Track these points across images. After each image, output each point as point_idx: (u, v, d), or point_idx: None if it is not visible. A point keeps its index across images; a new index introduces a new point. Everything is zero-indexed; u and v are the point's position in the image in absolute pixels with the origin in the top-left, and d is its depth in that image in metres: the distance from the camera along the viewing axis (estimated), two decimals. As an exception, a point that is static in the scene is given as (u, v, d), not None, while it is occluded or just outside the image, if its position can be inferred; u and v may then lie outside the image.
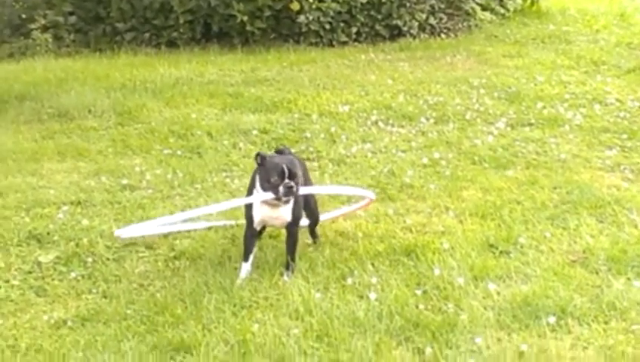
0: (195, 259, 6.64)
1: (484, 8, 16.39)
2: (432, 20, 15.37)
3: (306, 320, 5.65)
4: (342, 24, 14.75)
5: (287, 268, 6.31)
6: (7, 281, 6.42)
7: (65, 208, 7.73)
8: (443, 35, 15.33)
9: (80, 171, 8.79)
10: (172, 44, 14.90)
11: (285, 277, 6.23)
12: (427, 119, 10.17)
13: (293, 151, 6.98)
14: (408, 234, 7.00)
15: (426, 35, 15.23)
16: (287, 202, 6.20)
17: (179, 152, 9.27)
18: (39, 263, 6.67)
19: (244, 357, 5.31)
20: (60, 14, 15.14)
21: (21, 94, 11.64)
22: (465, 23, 15.87)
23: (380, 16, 14.93)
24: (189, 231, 7.11)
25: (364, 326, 5.56)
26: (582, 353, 5.28)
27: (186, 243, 6.93)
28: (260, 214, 6.31)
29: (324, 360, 5.26)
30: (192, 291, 6.10)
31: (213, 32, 14.91)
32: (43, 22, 14.99)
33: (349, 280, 6.15)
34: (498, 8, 16.82)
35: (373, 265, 6.41)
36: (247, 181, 7.13)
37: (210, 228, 7.15)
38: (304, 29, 14.51)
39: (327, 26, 14.59)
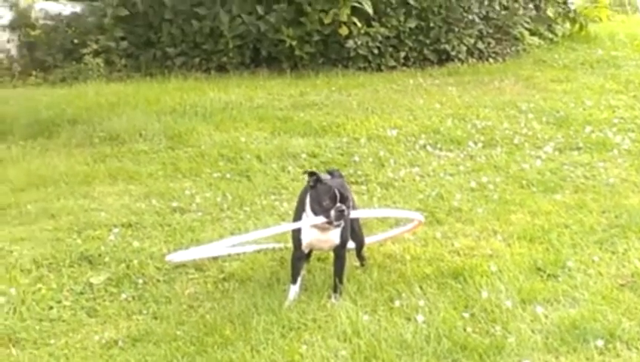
0: (244, 281, 6.67)
1: (532, 33, 16.41)
2: (480, 45, 15.41)
3: (354, 342, 5.65)
4: (390, 49, 14.84)
5: (335, 290, 6.31)
6: (60, 302, 6.50)
7: (116, 230, 7.80)
8: (491, 60, 15.36)
9: (131, 194, 8.88)
10: (222, 69, 15.04)
11: (333, 300, 6.23)
12: (475, 143, 10.17)
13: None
14: (456, 258, 6.99)
15: (474, 60, 15.27)
16: (338, 226, 6.18)
17: (228, 175, 9.33)
18: (91, 284, 6.74)
19: (293, 378, 5.35)
20: (112, 39, 15.36)
21: (73, 118, 11.78)
22: (513, 48, 15.89)
23: (428, 41, 15.00)
24: (238, 254, 7.15)
25: (411, 349, 5.55)
26: (630, 377, 5.26)
27: (235, 266, 6.97)
28: (308, 237, 6.29)
29: (371, 382, 5.29)
30: (240, 313, 6.13)
31: (262, 57, 15.04)
32: (95, 47, 15.23)
33: (397, 303, 6.15)
34: (546, 33, 16.83)
35: (421, 287, 6.40)
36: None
37: (259, 251, 7.19)
38: (352, 54, 14.60)
39: (376, 51, 14.67)
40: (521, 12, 16.16)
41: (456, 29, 15.14)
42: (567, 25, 17.44)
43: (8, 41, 16.28)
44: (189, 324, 6.07)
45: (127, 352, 5.75)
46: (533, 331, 5.73)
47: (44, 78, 15.42)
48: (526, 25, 16.21)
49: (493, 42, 15.68)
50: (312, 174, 6.28)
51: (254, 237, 6.74)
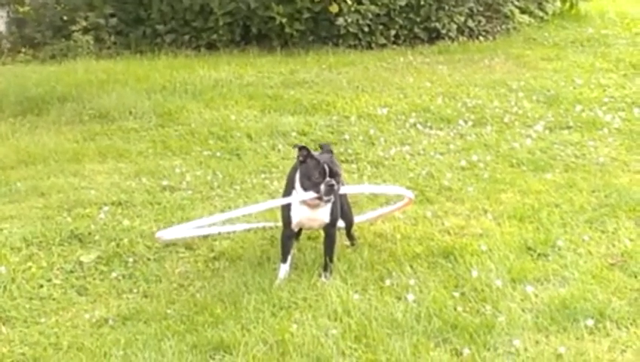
0: (235, 260, 6.68)
1: (522, 11, 16.37)
2: (470, 23, 15.38)
3: (345, 321, 5.67)
4: (380, 27, 14.80)
5: (326, 269, 6.33)
6: (50, 280, 6.50)
7: (106, 208, 7.81)
8: (481, 38, 15.33)
9: (121, 172, 8.88)
10: (211, 47, 15.02)
11: (324, 279, 6.25)
12: (465, 122, 10.17)
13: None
14: (446, 237, 7.01)
15: (465, 38, 15.24)
16: (327, 201, 6.14)
17: (218, 154, 9.34)
18: (81, 263, 6.75)
19: (283, 357, 5.34)
20: (101, 16, 15.28)
21: (62, 96, 11.75)
22: (503, 26, 15.86)
23: (418, 19, 14.96)
24: (228, 233, 7.15)
25: (402, 328, 5.57)
26: (620, 356, 5.27)
27: (225, 244, 6.98)
28: (298, 215, 6.28)
29: (361, 361, 5.30)
30: (231, 291, 6.14)
31: (252, 35, 15.01)
32: (84, 24, 15.14)
33: (388, 282, 6.17)
34: (537, 11, 16.79)
35: (411, 266, 6.42)
36: (285, 182, 7.17)
37: (249, 230, 7.19)
38: (343, 32, 14.56)
39: (366, 29, 14.64)
40: (511, -10, 16.16)
41: (447, 7, 15.09)
42: (558, 3, 17.40)
43: (-3, 18, 16.22)
44: (179, 303, 6.09)
45: (118, 331, 5.76)
46: (523, 310, 5.76)
47: (34, 55, 15.35)
48: (516, 3, 16.18)
49: (483, 20, 15.64)
50: (302, 148, 6.23)
51: (244, 212, 6.74)
